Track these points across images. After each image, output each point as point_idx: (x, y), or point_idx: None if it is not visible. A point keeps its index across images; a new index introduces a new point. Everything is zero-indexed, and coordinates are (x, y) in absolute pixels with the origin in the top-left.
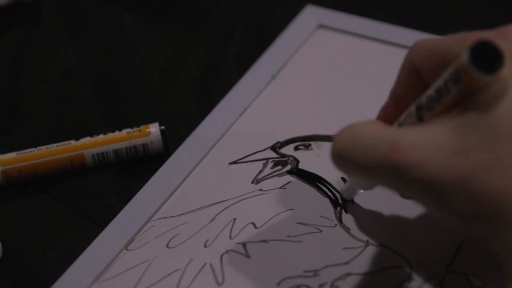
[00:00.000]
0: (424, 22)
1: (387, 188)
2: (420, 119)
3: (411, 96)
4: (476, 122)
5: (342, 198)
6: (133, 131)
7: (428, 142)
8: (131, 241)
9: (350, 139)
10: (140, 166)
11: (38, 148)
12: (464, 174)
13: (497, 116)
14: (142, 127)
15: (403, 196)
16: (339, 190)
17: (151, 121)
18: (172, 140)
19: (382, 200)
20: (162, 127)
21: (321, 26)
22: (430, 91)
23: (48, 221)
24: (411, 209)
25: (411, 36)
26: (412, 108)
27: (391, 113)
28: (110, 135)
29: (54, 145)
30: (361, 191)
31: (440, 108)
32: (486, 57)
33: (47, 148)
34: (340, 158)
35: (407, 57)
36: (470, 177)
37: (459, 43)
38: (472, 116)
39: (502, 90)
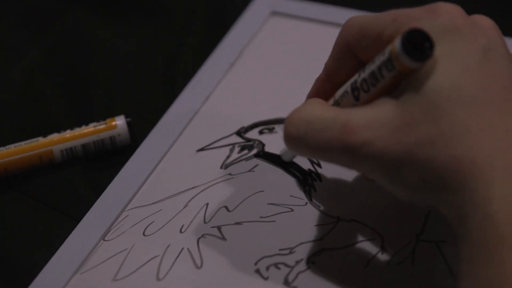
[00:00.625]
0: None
1: (342, 166)
2: (356, 99)
3: (344, 71)
4: (415, 99)
5: (310, 177)
6: (100, 125)
7: (374, 121)
8: (107, 231)
9: (302, 123)
10: (108, 158)
11: (7, 146)
12: (409, 148)
13: (432, 90)
14: (108, 120)
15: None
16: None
17: (117, 114)
18: (139, 132)
19: (348, 176)
20: (128, 119)
21: (274, 13)
22: (365, 75)
23: (23, 218)
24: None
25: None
26: (348, 88)
27: (324, 87)
28: (77, 130)
29: (22, 143)
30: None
31: (376, 90)
32: (417, 43)
33: (15, 146)
34: (294, 142)
35: (341, 34)
36: (415, 150)
37: (391, 24)
38: (410, 94)
39: (434, 67)
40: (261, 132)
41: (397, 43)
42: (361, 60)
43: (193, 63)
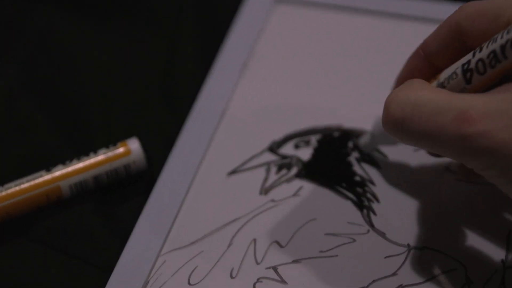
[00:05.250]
0: None
1: (450, 157)
2: (468, 81)
3: (446, 53)
4: None
5: (366, 199)
6: (111, 151)
7: (497, 111)
8: (145, 284)
9: (409, 104)
10: (123, 188)
11: (5, 186)
12: None
13: None
14: (119, 145)
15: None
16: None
17: (120, 135)
18: (152, 153)
19: (411, 195)
20: (143, 142)
21: (278, 1)
22: (482, 55)
23: (36, 270)
24: (445, 202)
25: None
26: (458, 70)
27: (419, 65)
28: (86, 160)
29: (24, 179)
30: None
31: (493, 73)
32: None
33: (16, 185)
34: (398, 126)
35: (453, 16)
36: None
37: None
38: None
39: None
40: (296, 146)
41: None
42: (469, 46)
43: (194, 68)
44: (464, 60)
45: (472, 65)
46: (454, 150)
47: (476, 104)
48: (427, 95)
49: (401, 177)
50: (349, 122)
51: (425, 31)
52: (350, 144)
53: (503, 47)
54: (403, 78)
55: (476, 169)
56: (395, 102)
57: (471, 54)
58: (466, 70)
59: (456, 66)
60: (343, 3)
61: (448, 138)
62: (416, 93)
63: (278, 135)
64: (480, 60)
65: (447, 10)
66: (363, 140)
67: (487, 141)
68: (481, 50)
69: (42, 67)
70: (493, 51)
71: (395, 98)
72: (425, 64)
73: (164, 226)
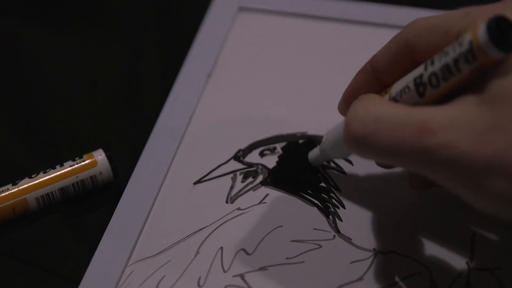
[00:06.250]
0: None
1: (413, 170)
2: (421, 95)
3: (394, 69)
4: (505, 97)
5: (332, 205)
6: (77, 164)
7: (458, 120)
8: None
9: (370, 120)
10: (89, 199)
11: None
12: (501, 152)
13: None
14: (85, 157)
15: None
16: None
17: (87, 147)
18: (118, 164)
19: (376, 200)
20: (109, 153)
21: (242, 9)
22: (434, 68)
23: (4, 282)
24: (410, 206)
25: (334, 8)
26: (410, 83)
27: (367, 81)
28: (52, 173)
29: None
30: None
31: (447, 86)
32: (502, 33)
33: None
34: (361, 143)
35: (401, 33)
36: (507, 154)
37: (462, 18)
38: (500, 88)
39: None
40: (262, 154)
41: (481, 32)
42: (418, 61)
43: (160, 78)
44: (415, 73)
45: (425, 78)
46: (416, 163)
47: (436, 116)
48: (387, 110)
49: (366, 183)
50: (313, 129)
51: (389, 36)
52: None
53: (456, 61)
54: (351, 93)
55: (439, 180)
56: (357, 119)
57: (422, 67)
58: (419, 84)
59: (408, 80)
60: (305, 11)
61: (410, 151)
62: (376, 108)
63: (243, 144)
64: (433, 73)
65: (409, 16)
66: (312, 155)
67: (450, 152)
68: (433, 63)
69: (6, 79)
70: (447, 65)
71: (356, 115)
72: (373, 80)
73: (131, 236)
